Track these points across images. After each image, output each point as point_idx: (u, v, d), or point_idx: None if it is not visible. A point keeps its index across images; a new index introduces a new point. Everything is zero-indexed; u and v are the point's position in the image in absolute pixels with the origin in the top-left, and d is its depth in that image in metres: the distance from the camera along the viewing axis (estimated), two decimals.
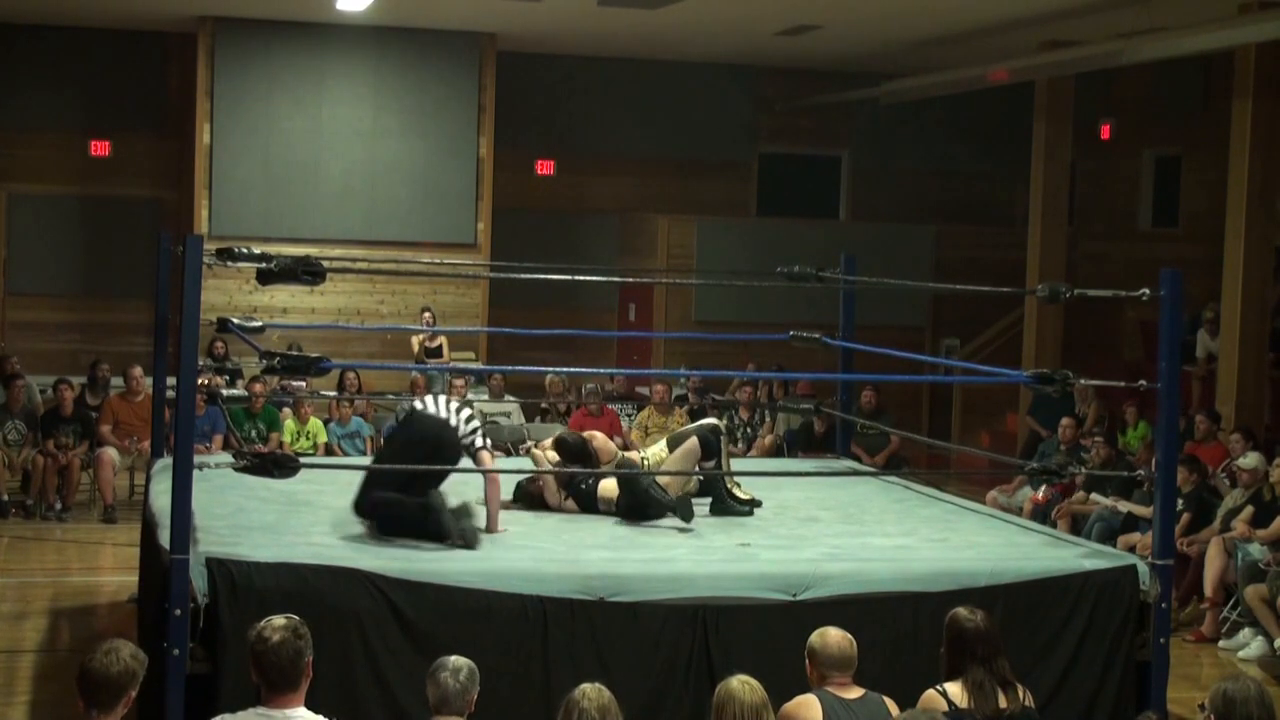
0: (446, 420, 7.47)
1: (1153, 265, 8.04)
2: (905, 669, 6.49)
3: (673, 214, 19.01)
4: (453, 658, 5.07)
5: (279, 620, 4.78)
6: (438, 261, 15.41)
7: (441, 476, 7.36)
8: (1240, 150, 13.72)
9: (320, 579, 6.35)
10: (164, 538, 6.70)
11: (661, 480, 8.06)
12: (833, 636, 5.50)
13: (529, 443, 11.78)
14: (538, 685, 6.40)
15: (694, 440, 8.26)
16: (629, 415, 14.79)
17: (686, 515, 7.76)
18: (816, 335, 10.21)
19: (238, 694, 5.56)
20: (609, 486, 8.19)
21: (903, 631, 6.72)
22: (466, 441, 7.50)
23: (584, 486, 8.24)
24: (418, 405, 7.67)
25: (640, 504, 7.89)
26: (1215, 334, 14.48)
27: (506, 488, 8.50)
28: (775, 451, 14.53)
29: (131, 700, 4.48)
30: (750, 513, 8.21)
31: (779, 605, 6.65)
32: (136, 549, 9.58)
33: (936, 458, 16.12)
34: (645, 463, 8.61)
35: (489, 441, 7.81)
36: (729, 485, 8.42)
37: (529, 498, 8.37)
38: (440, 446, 7.37)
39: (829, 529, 7.99)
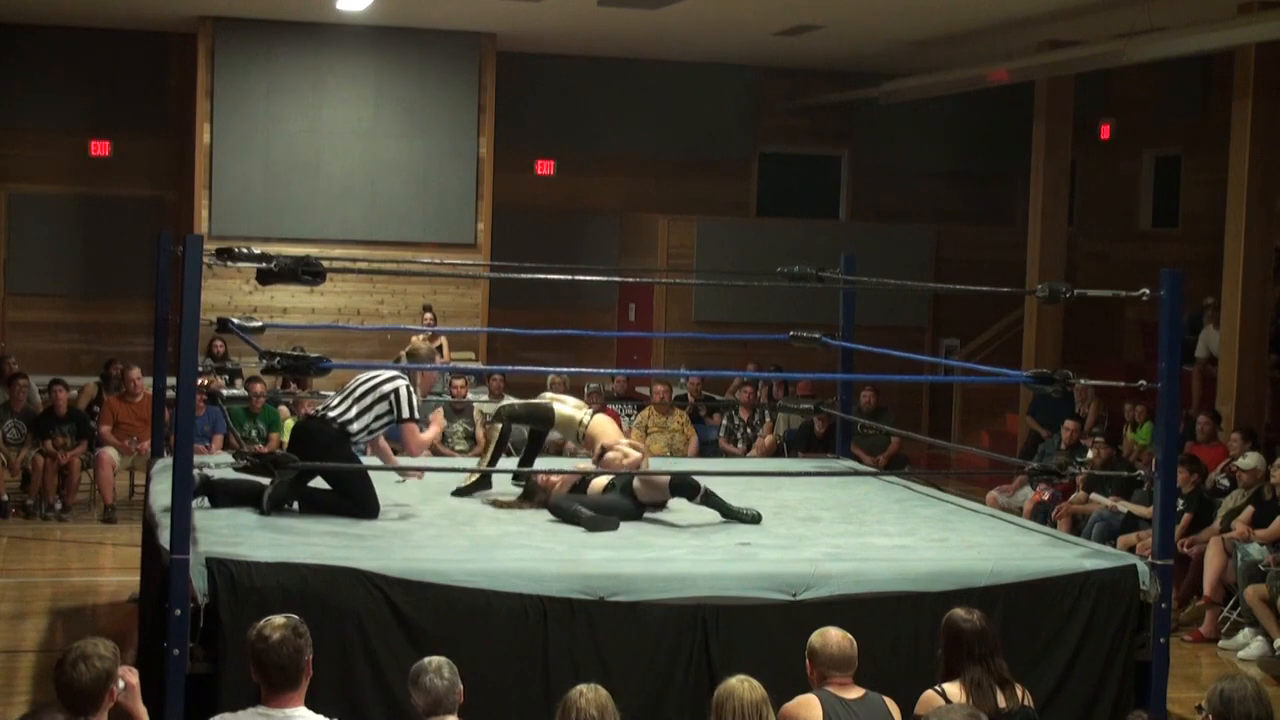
0: (331, 420, 7.82)
1: (1153, 265, 8.04)
2: (905, 669, 6.50)
3: (673, 214, 19.01)
4: (428, 659, 5.06)
5: (278, 619, 4.78)
6: (438, 261, 15.41)
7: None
8: (1240, 150, 13.73)
9: (320, 579, 6.34)
10: (164, 538, 6.71)
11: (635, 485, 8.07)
12: (833, 636, 5.50)
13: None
14: (538, 685, 6.40)
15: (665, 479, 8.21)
16: (629, 415, 14.78)
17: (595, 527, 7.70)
18: (816, 335, 10.20)
19: (238, 694, 5.56)
20: (598, 485, 8.22)
21: (903, 631, 6.72)
22: (366, 434, 7.90)
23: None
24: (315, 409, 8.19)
25: (565, 518, 7.90)
26: (1218, 324, 14.42)
27: (501, 486, 8.60)
28: (775, 451, 14.52)
29: (115, 693, 4.48)
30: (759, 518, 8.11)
31: (779, 605, 6.65)
32: (136, 549, 9.58)
33: (936, 458, 16.12)
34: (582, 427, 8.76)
35: (416, 413, 7.98)
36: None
37: (536, 490, 8.35)
38: (324, 447, 7.75)
39: (829, 529, 7.98)
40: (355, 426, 7.82)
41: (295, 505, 7.76)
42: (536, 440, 9.12)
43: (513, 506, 8.27)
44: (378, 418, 7.85)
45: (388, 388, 7.86)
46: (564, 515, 7.85)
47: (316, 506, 7.72)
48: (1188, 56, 14.72)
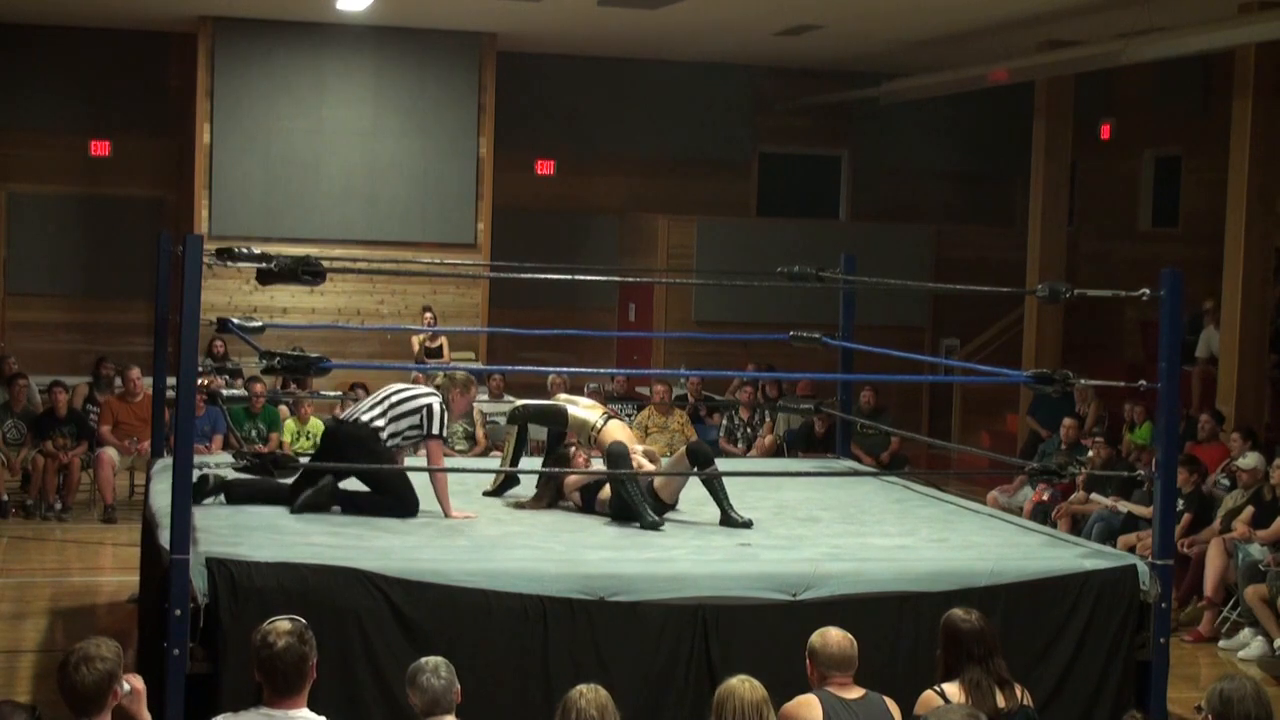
0: (363, 424, 7.93)
1: (1153, 265, 8.05)
2: (905, 669, 6.50)
3: (673, 214, 19.00)
4: (425, 659, 5.05)
5: (284, 625, 4.68)
6: (438, 261, 15.41)
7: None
8: (1240, 150, 13.73)
9: (320, 579, 6.34)
10: (164, 538, 6.71)
11: (656, 485, 8.09)
12: (833, 636, 5.50)
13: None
14: (538, 685, 6.40)
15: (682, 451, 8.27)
16: (629, 415, 14.78)
17: (648, 525, 7.75)
18: (816, 335, 10.20)
19: (238, 694, 5.55)
20: (606, 488, 8.23)
21: (903, 631, 6.73)
22: (392, 441, 7.96)
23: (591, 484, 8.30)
24: (346, 411, 8.25)
25: (623, 505, 7.94)
26: (1219, 324, 14.42)
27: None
28: (775, 451, 14.52)
29: (119, 694, 4.47)
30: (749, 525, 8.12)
31: (779, 605, 6.65)
32: (136, 549, 9.58)
33: (937, 458, 16.12)
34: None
35: (444, 431, 8.14)
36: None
37: (548, 490, 8.37)
38: (354, 449, 7.83)
39: (829, 529, 7.99)
40: (385, 433, 7.95)
41: (337, 509, 7.81)
42: (556, 441, 9.15)
43: (525, 507, 8.31)
44: (407, 429, 7.99)
45: (421, 402, 8.04)
46: (628, 501, 7.86)
47: (356, 508, 7.76)
48: (1188, 56, 14.72)
